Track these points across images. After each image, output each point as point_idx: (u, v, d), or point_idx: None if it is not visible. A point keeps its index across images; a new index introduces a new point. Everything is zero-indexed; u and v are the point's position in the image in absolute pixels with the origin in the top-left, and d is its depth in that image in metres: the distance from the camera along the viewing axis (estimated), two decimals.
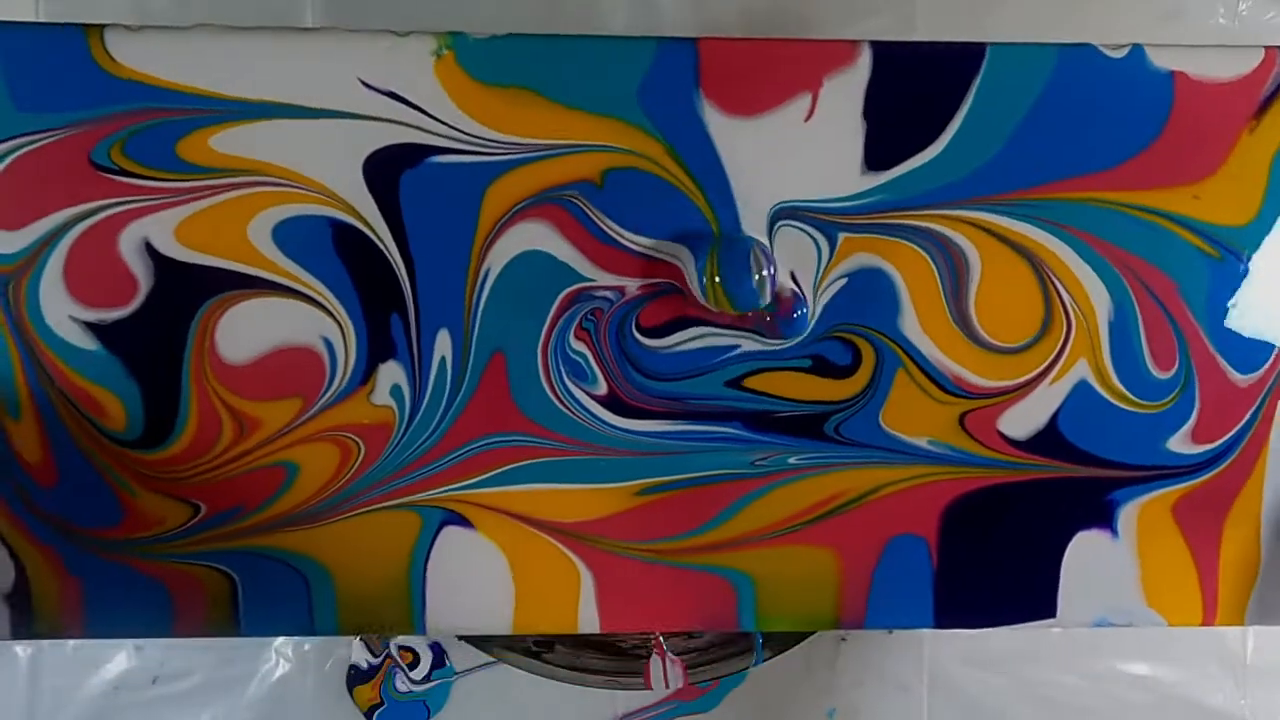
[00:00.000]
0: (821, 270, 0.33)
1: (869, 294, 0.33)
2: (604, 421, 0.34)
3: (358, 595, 0.35)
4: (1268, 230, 0.33)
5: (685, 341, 0.33)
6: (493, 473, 0.34)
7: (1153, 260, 0.33)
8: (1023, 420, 0.34)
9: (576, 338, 0.33)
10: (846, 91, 0.32)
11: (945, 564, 0.35)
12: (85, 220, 0.33)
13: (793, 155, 0.32)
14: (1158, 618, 0.36)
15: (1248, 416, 0.34)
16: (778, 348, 0.33)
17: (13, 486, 0.34)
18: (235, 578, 0.35)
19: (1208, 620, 0.36)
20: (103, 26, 0.32)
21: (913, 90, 0.32)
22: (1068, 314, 0.33)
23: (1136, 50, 0.32)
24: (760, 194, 0.33)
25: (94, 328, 0.33)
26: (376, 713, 0.56)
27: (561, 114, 0.32)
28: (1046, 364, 0.34)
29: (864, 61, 0.32)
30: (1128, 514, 0.35)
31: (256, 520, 0.35)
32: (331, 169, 0.32)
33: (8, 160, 0.32)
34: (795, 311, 0.32)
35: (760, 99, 0.32)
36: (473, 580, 0.35)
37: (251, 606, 0.35)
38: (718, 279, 0.31)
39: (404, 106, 0.32)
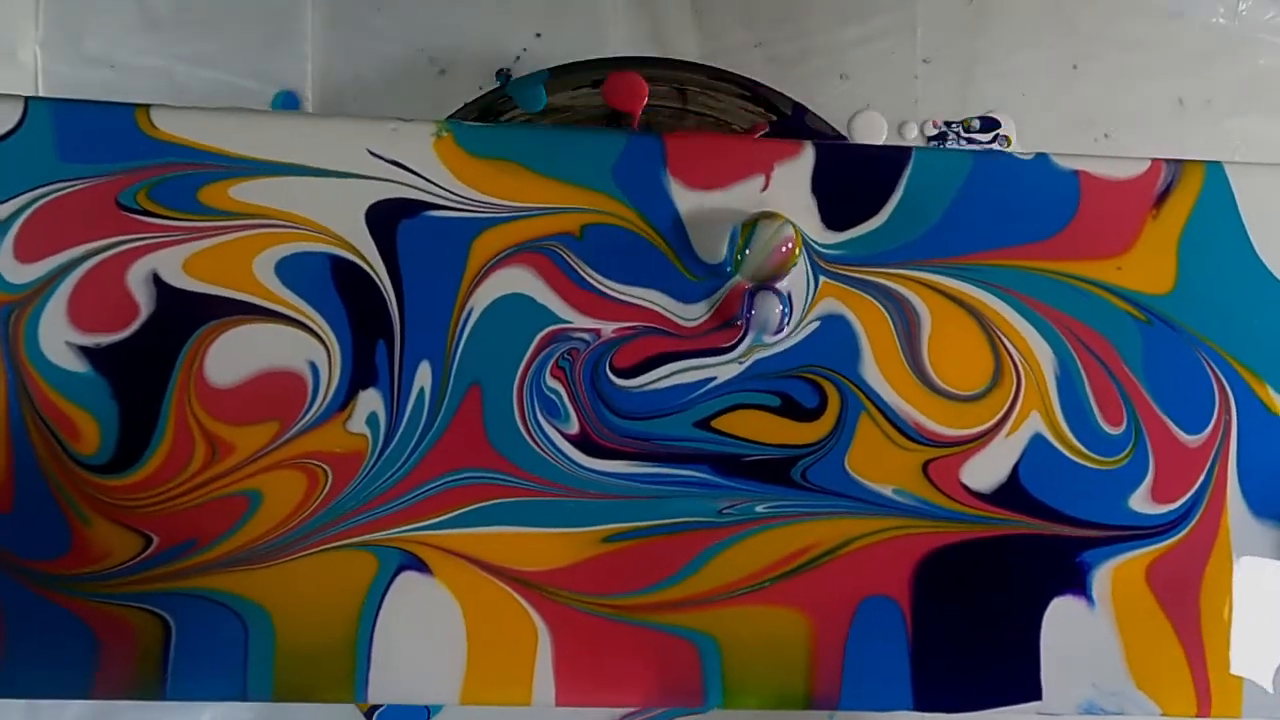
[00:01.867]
0: (805, 307, 0.35)
1: (835, 338, 0.34)
2: (573, 461, 0.34)
3: (299, 650, 0.33)
4: (1188, 300, 0.36)
5: (656, 380, 0.34)
6: (457, 512, 0.34)
7: (1088, 322, 0.35)
8: (984, 471, 0.34)
9: (552, 375, 0.34)
10: (794, 174, 0.36)
11: (921, 633, 0.33)
12: (100, 254, 0.35)
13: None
14: (1150, 704, 0.34)
15: (1202, 478, 0.35)
16: (744, 366, 0.35)
17: None
18: (171, 624, 0.33)
19: (1203, 710, 0.34)
20: (149, 106, 0.36)
21: (852, 177, 0.36)
22: (1016, 367, 0.35)
23: (1041, 156, 0.37)
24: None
25: (87, 351, 0.34)
26: (376, 713, 0.54)
27: (545, 183, 0.36)
28: (1001, 414, 0.35)
29: (808, 154, 0.36)
30: (1101, 579, 0.34)
31: (209, 556, 0.33)
32: (337, 214, 0.35)
33: (41, 201, 0.35)
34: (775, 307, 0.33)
35: (719, 177, 0.36)
36: (423, 637, 0.33)
37: (183, 660, 0.33)
38: (746, 250, 0.33)
39: (406, 172, 0.35)
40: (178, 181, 0.35)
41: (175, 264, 0.35)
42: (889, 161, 0.36)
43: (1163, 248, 0.36)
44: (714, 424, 0.34)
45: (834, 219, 0.36)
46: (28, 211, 0.35)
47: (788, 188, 0.36)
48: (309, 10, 0.52)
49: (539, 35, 0.51)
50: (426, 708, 0.53)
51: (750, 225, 0.33)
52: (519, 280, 0.35)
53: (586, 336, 0.34)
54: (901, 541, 0.33)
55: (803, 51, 0.50)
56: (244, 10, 0.52)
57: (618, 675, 0.33)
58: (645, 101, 0.48)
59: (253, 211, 0.35)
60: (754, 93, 0.49)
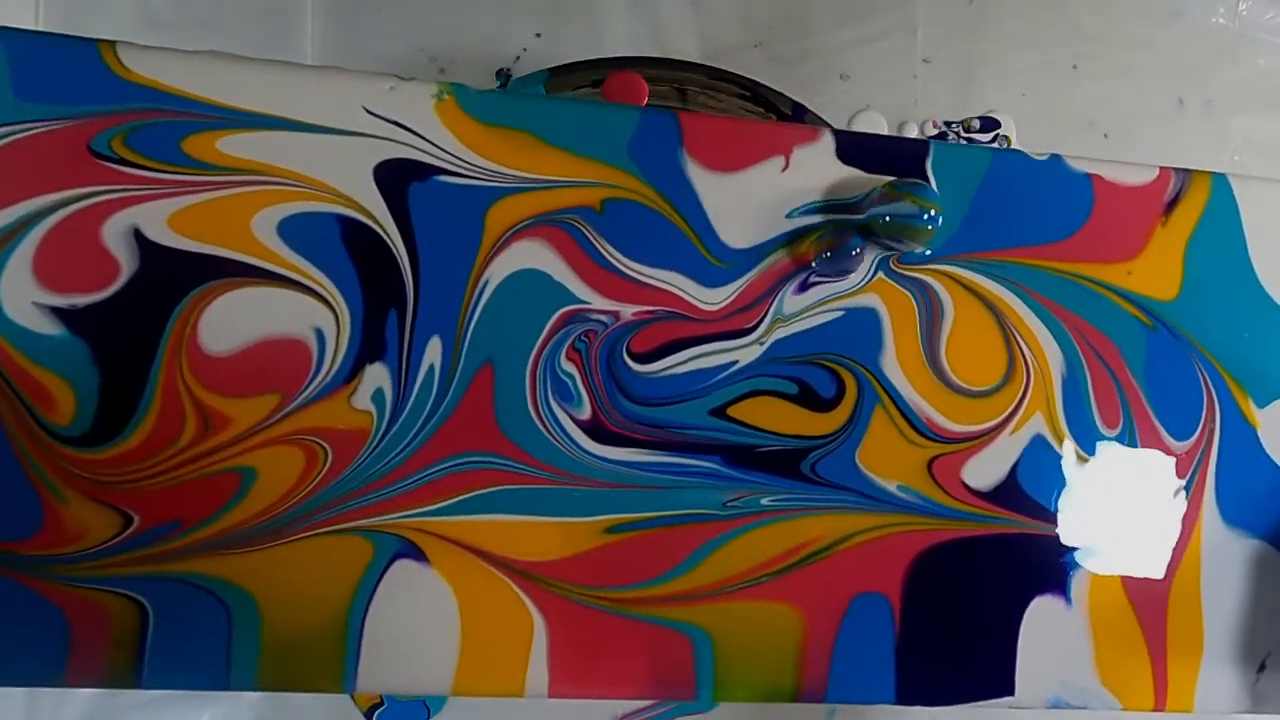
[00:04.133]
0: (836, 293, 0.34)
1: (859, 326, 0.33)
2: (581, 448, 0.32)
3: (285, 640, 0.31)
4: (1190, 307, 0.36)
5: (674, 366, 0.33)
6: (459, 498, 0.32)
7: (1096, 323, 0.35)
8: (985, 470, 0.34)
9: (567, 358, 0.32)
10: (817, 153, 0.34)
11: (908, 629, 0.34)
12: (71, 205, 0.31)
13: (773, 199, 0.34)
14: (1112, 699, 0.35)
15: (1184, 484, 0.36)
16: (764, 348, 0.33)
17: None
18: (149, 609, 0.30)
19: (1158, 705, 0.35)
20: (115, 42, 0.32)
21: (871, 165, 0.35)
22: (1027, 365, 0.35)
23: (1055, 157, 0.36)
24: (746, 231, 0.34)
25: (59, 312, 0.31)
26: (376, 713, 0.53)
27: (559, 155, 0.33)
28: (1008, 413, 0.34)
29: (827, 139, 0.35)
30: (1079, 579, 0.34)
31: (194, 539, 0.31)
32: (341, 173, 0.32)
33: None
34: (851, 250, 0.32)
35: (737, 158, 0.34)
36: (416, 627, 0.31)
37: (161, 648, 0.30)
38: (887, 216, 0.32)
39: (409, 134, 0.32)
40: (158, 128, 0.32)
41: (160, 219, 0.31)
42: (908, 153, 0.35)
43: (1170, 254, 0.36)
44: (730, 412, 0.33)
45: None
46: None
47: (808, 172, 0.34)
48: (309, 10, 0.51)
49: (539, 35, 0.50)
50: (426, 705, 0.52)
51: (900, 191, 0.31)
52: (537, 255, 0.33)
53: (605, 318, 0.33)
54: (899, 538, 0.33)
55: (803, 51, 0.49)
56: (244, 10, 0.50)
57: (612, 668, 0.32)
58: (645, 101, 0.47)
59: (246, 166, 0.32)
60: (754, 93, 0.48)
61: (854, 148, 0.34)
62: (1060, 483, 0.34)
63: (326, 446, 0.31)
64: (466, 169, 0.33)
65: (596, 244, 0.33)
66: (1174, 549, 0.35)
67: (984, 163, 0.35)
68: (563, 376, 0.32)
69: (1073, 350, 0.35)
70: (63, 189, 0.31)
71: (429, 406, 0.32)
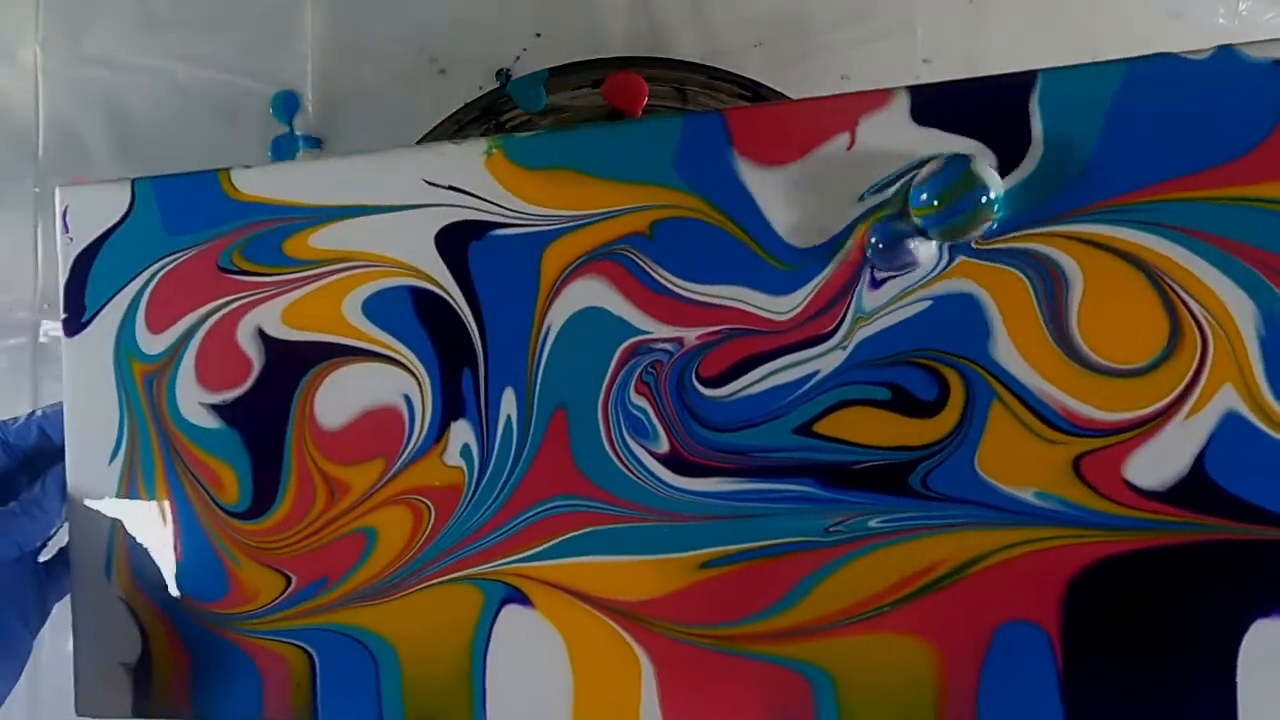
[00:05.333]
0: (921, 280, 0.29)
1: (955, 315, 0.28)
2: (664, 483, 0.31)
3: (421, 679, 0.33)
4: None
5: (748, 386, 0.30)
6: (552, 542, 0.32)
7: None
8: (1157, 464, 0.27)
9: (637, 392, 0.31)
10: (889, 123, 0.29)
11: (1074, 663, 0.27)
12: (212, 317, 0.36)
13: (841, 184, 0.30)
14: None
15: None
16: (848, 352, 0.29)
17: (146, 564, 0.36)
18: (314, 657, 0.34)
19: None
20: (229, 169, 0.36)
21: (961, 121, 0.29)
22: (1201, 327, 0.27)
23: (1224, 51, 0.27)
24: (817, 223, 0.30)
25: (216, 408, 0.36)
26: None
27: (604, 186, 0.32)
28: (1180, 390, 0.27)
29: (900, 101, 0.29)
30: None
31: (339, 593, 0.34)
32: (407, 246, 0.33)
33: (159, 275, 0.36)
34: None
35: (794, 147, 0.30)
36: (531, 669, 0.32)
37: (328, 690, 0.34)
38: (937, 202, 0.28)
39: (463, 195, 0.33)
40: (264, 237, 0.35)
41: (275, 316, 0.35)
42: (1002, 97, 0.28)
43: None
44: (816, 428, 0.29)
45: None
46: (151, 286, 0.37)
47: (879, 144, 0.30)
48: (309, 10, 0.51)
49: (539, 35, 0.48)
50: None
51: (954, 175, 0.27)
52: (593, 292, 0.32)
53: (669, 346, 0.31)
54: (1046, 555, 0.27)
55: (803, 51, 0.46)
56: (244, 10, 0.51)
57: (724, 707, 0.30)
58: (645, 101, 0.45)
59: (334, 257, 0.35)
60: (754, 93, 0.45)
61: (932, 103, 0.29)
62: (1273, 470, 0.26)
63: (429, 503, 0.33)
64: (519, 218, 0.33)
65: (650, 270, 0.31)
66: None
67: (1113, 84, 0.28)
68: (635, 412, 0.31)
69: (1271, 297, 0.26)
70: (205, 303, 0.36)
71: (511, 456, 0.32)
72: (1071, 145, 0.28)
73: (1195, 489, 0.26)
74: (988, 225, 0.27)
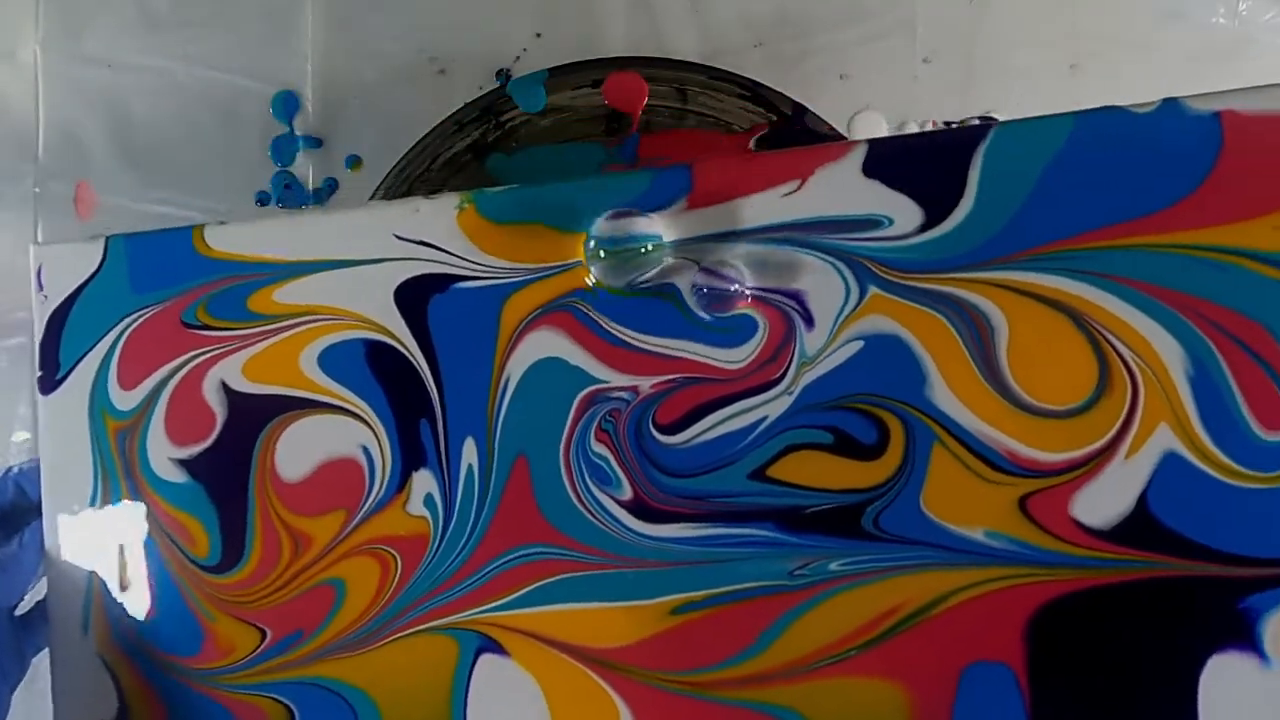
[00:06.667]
0: (843, 318, 0.30)
1: (886, 360, 0.29)
2: (630, 529, 0.31)
3: None
4: None
5: (702, 433, 0.31)
6: (524, 590, 0.32)
7: (1230, 304, 0.27)
8: (1102, 503, 0.28)
9: (598, 439, 0.32)
10: (841, 173, 0.30)
11: (1041, 700, 0.28)
12: (179, 372, 0.37)
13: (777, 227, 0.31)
14: None
15: None
16: (794, 397, 0.30)
17: (121, 620, 0.37)
18: (294, 711, 0.34)
19: None
20: (204, 225, 0.37)
21: (913, 165, 0.30)
22: (1130, 370, 0.28)
23: (1168, 104, 0.28)
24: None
25: (183, 463, 0.36)
26: None
27: (566, 239, 0.33)
28: (1116, 431, 0.28)
29: (858, 153, 0.30)
30: (1276, 630, 0.27)
31: (314, 645, 0.35)
32: (367, 300, 0.34)
33: (127, 333, 0.37)
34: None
35: (745, 189, 0.31)
36: (512, 717, 0.32)
37: None
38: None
39: (431, 249, 0.34)
40: (229, 294, 0.36)
41: (236, 370, 0.36)
42: (956, 145, 0.29)
43: None
44: (769, 472, 0.30)
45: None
46: (121, 342, 0.37)
47: (831, 190, 0.31)
48: (309, 10, 0.51)
49: (539, 35, 0.49)
50: None
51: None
52: (549, 343, 0.33)
53: (625, 395, 0.32)
54: (1005, 594, 0.28)
55: (803, 51, 0.46)
56: (244, 10, 0.51)
57: None
58: (645, 101, 0.45)
59: (295, 311, 0.35)
60: (754, 93, 0.45)
61: (883, 156, 0.30)
62: (1214, 508, 0.27)
63: (395, 553, 0.34)
64: (481, 271, 0.33)
65: (599, 322, 0.32)
66: None
67: (1060, 136, 0.29)
68: (596, 460, 0.32)
69: (1197, 341, 0.27)
70: (172, 358, 0.37)
71: (475, 505, 0.33)
72: (1003, 197, 0.29)
73: (1141, 527, 0.27)
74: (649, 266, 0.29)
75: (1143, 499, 0.27)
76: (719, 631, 0.31)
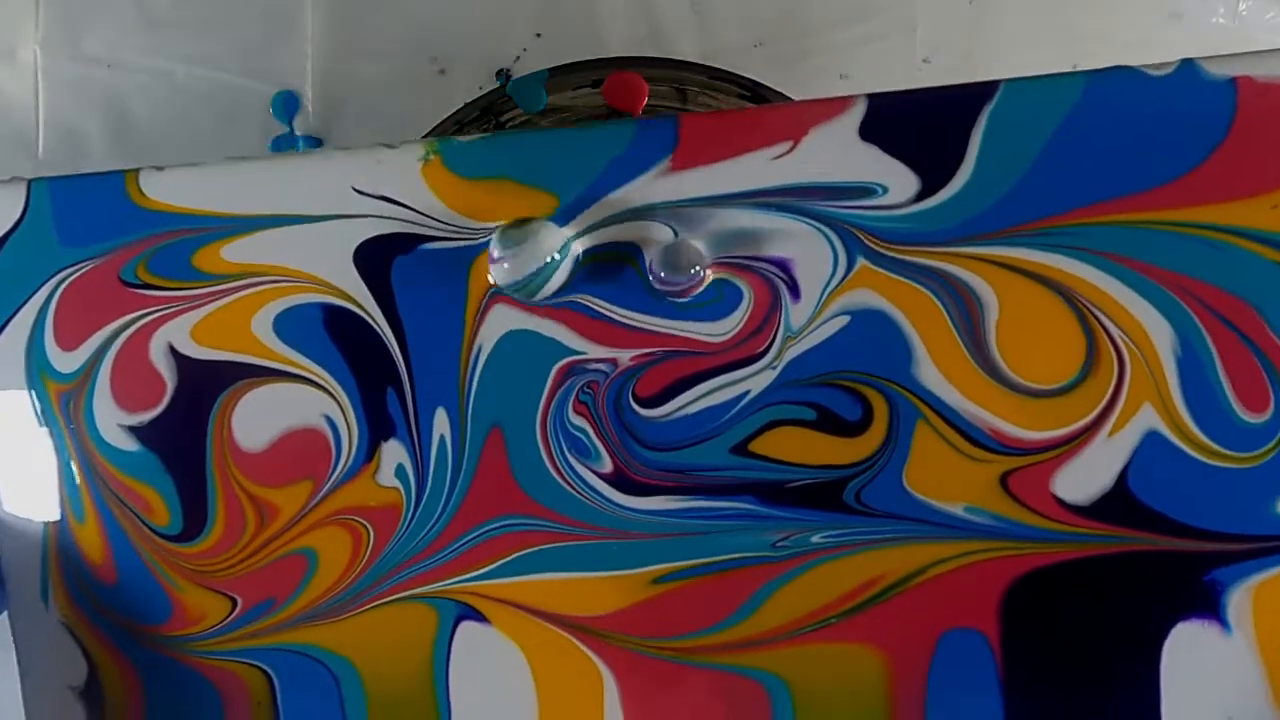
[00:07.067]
0: (830, 290, 0.29)
1: (872, 336, 0.28)
2: (612, 502, 0.31)
3: (385, 696, 0.34)
4: None
5: (683, 406, 0.30)
6: (502, 560, 0.32)
7: (1221, 284, 0.27)
8: (1082, 480, 0.28)
9: (576, 411, 0.31)
10: (837, 133, 0.28)
11: (1013, 665, 0.29)
12: (123, 333, 0.34)
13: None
14: None
15: None
16: (777, 372, 0.30)
17: (83, 588, 0.36)
18: (272, 675, 0.34)
19: None
20: (138, 170, 0.34)
21: (913, 129, 0.28)
22: (1117, 348, 0.27)
23: (1186, 66, 0.27)
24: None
25: (134, 430, 0.34)
26: None
27: (538, 198, 0.30)
28: (1100, 409, 0.28)
29: (857, 109, 0.28)
30: (1238, 601, 0.27)
31: (288, 613, 0.34)
32: (324, 260, 0.32)
33: (61, 289, 0.34)
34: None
35: (733, 150, 0.29)
36: (494, 680, 0.32)
37: (290, 708, 0.34)
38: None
39: (393, 205, 0.31)
40: (171, 249, 0.33)
41: (184, 333, 0.33)
42: (960, 105, 0.28)
43: None
44: (751, 447, 0.30)
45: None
46: (54, 300, 0.34)
47: (824, 154, 0.29)
48: (309, 10, 0.51)
49: (539, 35, 0.49)
50: None
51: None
52: (522, 314, 0.31)
53: (604, 367, 0.30)
54: (983, 567, 0.29)
55: (803, 51, 0.46)
56: (244, 10, 0.51)
57: (687, 715, 0.31)
58: (645, 101, 0.45)
59: (246, 270, 0.33)
60: (754, 93, 0.44)
61: (882, 116, 0.28)
62: (1191, 487, 0.27)
63: (366, 524, 0.33)
64: (448, 231, 0.31)
65: (579, 300, 0.30)
66: None
67: (1072, 95, 0.27)
68: (575, 432, 0.31)
69: (1187, 321, 0.27)
70: (113, 319, 0.34)
71: (449, 477, 0.32)
72: (1004, 165, 0.27)
73: (1119, 504, 0.28)
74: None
75: (1122, 476, 0.28)
76: (701, 600, 0.31)
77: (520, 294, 0.28)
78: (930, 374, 0.28)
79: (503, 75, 0.47)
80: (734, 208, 0.29)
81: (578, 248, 0.29)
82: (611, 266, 0.30)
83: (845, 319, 0.28)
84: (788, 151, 0.29)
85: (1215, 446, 0.27)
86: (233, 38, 0.51)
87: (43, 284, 0.34)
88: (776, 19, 0.47)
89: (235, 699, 0.34)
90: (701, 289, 0.28)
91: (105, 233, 0.33)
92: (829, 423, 0.29)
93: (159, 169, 0.33)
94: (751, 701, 0.30)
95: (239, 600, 0.34)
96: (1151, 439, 0.27)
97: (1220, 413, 0.27)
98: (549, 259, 0.27)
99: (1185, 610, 0.27)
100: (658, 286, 0.28)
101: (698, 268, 0.28)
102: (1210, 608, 0.27)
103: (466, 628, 0.32)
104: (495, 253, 0.28)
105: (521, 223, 0.27)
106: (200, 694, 0.34)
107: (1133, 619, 0.28)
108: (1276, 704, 0.27)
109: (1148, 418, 0.27)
